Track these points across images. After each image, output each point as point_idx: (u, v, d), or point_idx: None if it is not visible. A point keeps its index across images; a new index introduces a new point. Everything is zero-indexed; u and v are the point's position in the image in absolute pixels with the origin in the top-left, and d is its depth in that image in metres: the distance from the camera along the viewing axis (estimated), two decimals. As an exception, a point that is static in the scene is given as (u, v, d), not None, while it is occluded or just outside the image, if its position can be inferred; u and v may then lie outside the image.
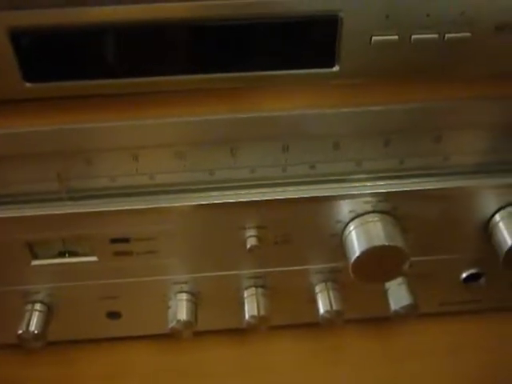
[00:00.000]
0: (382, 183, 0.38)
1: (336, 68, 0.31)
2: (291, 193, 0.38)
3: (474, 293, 0.45)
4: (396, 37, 0.30)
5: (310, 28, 0.30)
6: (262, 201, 0.38)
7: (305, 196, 0.38)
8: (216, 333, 0.45)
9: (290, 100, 0.34)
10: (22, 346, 0.41)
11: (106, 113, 0.34)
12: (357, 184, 0.38)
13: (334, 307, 0.42)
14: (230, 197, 0.38)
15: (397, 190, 0.38)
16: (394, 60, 0.31)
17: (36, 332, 0.40)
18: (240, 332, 0.43)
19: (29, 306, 0.41)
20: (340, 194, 0.38)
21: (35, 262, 0.40)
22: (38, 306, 0.41)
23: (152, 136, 0.35)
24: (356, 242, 0.38)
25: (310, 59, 0.31)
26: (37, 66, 0.31)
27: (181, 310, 0.41)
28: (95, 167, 0.36)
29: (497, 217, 0.40)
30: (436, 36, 0.30)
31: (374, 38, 0.30)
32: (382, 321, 0.45)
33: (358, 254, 0.38)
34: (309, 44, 0.31)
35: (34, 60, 0.31)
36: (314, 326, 0.43)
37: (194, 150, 0.36)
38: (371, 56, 0.31)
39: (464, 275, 0.44)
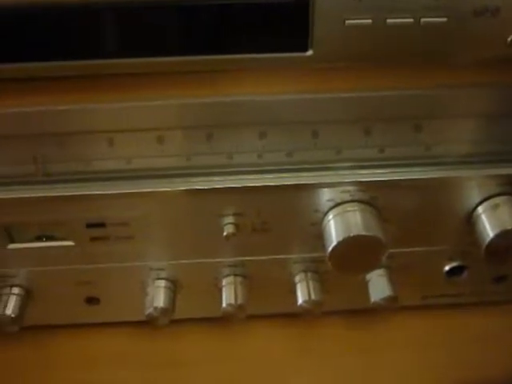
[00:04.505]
0: (361, 172, 0.38)
1: (310, 52, 0.31)
2: (268, 180, 0.37)
3: (457, 286, 0.44)
4: (370, 20, 0.30)
5: (282, 11, 0.30)
6: (238, 188, 0.37)
7: (281, 184, 0.37)
8: (194, 321, 0.44)
9: (268, 85, 0.34)
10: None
11: (81, 95, 0.34)
12: (336, 172, 0.38)
13: (313, 297, 0.41)
14: (207, 183, 0.37)
15: (376, 179, 0.38)
16: (369, 44, 0.30)
17: (13, 316, 0.40)
18: (219, 321, 0.42)
19: (5, 290, 0.41)
20: (318, 182, 0.38)
21: (12, 246, 0.39)
22: (14, 290, 0.41)
23: (128, 120, 0.35)
24: (334, 232, 0.38)
25: (285, 43, 0.31)
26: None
27: (158, 296, 0.41)
28: (70, 151, 0.36)
29: (479, 209, 0.39)
30: (411, 20, 0.30)
31: (347, 21, 0.30)
32: (364, 312, 0.44)
33: (335, 243, 0.37)
34: (282, 27, 0.30)
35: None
36: (296, 316, 0.42)
37: (171, 134, 0.36)
38: (345, 40, 0.30)
39: (447, 268, 0.43)
